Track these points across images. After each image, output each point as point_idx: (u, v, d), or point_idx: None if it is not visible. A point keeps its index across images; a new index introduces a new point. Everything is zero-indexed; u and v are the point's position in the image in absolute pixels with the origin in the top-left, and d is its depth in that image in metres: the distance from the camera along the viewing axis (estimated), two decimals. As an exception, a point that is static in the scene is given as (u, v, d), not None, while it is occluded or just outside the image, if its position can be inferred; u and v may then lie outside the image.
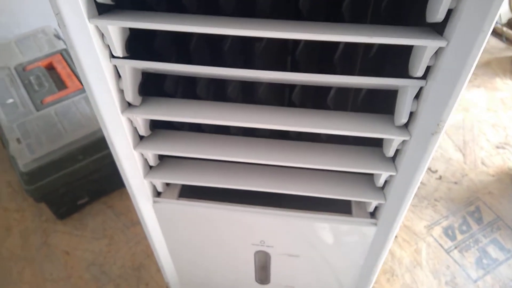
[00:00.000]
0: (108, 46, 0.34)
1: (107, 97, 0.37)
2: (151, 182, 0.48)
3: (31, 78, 0.99)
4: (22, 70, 1.02)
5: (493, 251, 0.84)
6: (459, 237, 0.87)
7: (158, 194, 0.51)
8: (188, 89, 0.42)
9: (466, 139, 1.06)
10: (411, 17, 0.33)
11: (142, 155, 0.45)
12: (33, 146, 0.84)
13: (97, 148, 0.86)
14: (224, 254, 0.58)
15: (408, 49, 0.33)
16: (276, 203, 0.49)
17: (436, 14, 0.28)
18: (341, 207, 0.49)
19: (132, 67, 0.36)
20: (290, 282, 0.62)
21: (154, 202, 0.50)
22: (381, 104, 0.39)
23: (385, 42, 0.30)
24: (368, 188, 0.44)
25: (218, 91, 0.41)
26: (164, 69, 0.37)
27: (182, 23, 0.32)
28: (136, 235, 0.91)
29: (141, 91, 0.39)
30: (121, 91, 0.38)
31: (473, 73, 1.25)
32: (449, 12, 0.29)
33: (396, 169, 0.40)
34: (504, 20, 1.37)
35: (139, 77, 0.39)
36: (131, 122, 0.41)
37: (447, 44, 0.29)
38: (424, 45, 0.30)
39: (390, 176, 0.42)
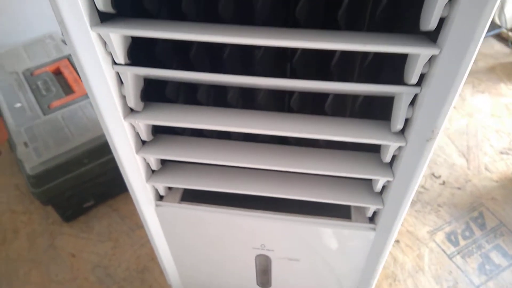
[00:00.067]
0: (110, 53, 0.35)
1: (110, 103, 0.38)
2: (153, 186, 0.49)
3: (39, 83, 1.01)
4: (30, 75, 1.04)
5: (496, 257, 0.84)
6: (462, 242, 0.86)
7: (160, 198, 0.52)
8: (189, 95, 0.43)
9: (470, 145, 1.06)
10: (408, 25, 0.34)
11: (145, 159, 0.46)
12: (40, 150, 0.86)
13: (103, 152, 0.87)
14: (226, 257, 0.58)
15: (404, 56, 0.33)
16: (276, 207, 0.50)
17: (429, 23, 0.29)
18: (341, 212, 0.50)
19: (134, 74, 0.37)
20: (291, 286, 0.62)
21: (157, 205, 0.51)
22: (378, 110, 0.40)
23: (379, 50, 0.30)
24: (366, 193, 0.45)
25: (219, 97, 0.42)
26: (165, 76, 0.38)
27: (181, 31, 0.32)
28: (140, 238, 0.92)
29: (143, 96, 0.40)
30: (123, 97, 0.39)
31: (478, 79, 1.25)
32: (442, 20, 0.29)
33: (393, 175, 0.40)
34: (510, 25, 1.37)
35: (141, 83, 0.39)
36: (133, 127, 0.42)
37: (440, 52, 0.30)
38: (417, 53, 0.30)
39: (388, 181, 0.42)
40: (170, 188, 0.53)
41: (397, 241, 0.87)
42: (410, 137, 0.36)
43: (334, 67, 0.36)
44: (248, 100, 0.42)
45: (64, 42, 1.14)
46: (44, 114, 0.94)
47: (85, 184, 0.92)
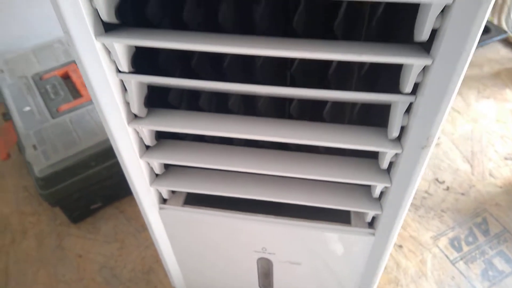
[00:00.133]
0: (114, 62, 0.36)
1: (114, 109, 0.39)
2: (157, 190, 0.50)
3: (48, 86, 1.03)
4: (39, 79, 1.06)
5: (499, 263, 0.84)
6: (465, 248, 0.86)
7: (164, 201, 0.53)
8: (192, 101, 0.44)
9: (474, 150, 1.06)
10: (404, 35, 0.35)
11: (148, 164, 0.47)
12: (49, 153, 0.88)
13: (109, 155, 0.89)
14: (228, 260, 0.59)
15: (400, 65, 0.34)
16: (278, 211, 0.51)
17: (421, 35, 0.30)
18: (342, 217, 0.50)
19: (137, 81, 0.38)
20: (293, 289, 0.63)
21: (160, 209, 0.52)
22: (377, 116, 0.41)
23: (373, 60, 0.31)
24: (365, 199, 0.46)
25: (220, 103, 0.43)
26: (168, 83, 0.39)
27: (183, 41, 0.34)
28: (146, 239, 0.93)
29: (147, 103, 0.41)
30: (127, 103, 0.40)
31: (483, 84, 1.25)
32: (435, 32, 0.30)
33: (390, 181, 0.41)
34: (517, 30, 1.37)
35: (145, 90, 0.41)
36: (137, 132, 0.43)
37: (433, 62, 0.30)
38: (411, 63, 0.31)
39: (386, 187, 0.43)
40: (173, 192, 0.54)
41: (400, 246, 0.87)
42: (406, 144, 0.37)
43: (332, 75, 0.37)
44: (249, 106, 0.43)
45: (73, 46, 1.16)
46: (53, 117, 0.96)
47: (92, 187, 0.94)
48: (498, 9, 1.47)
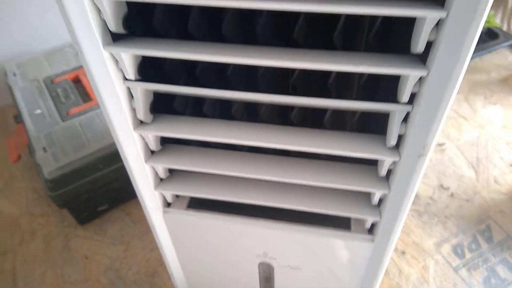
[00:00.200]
0: (122, 70, 0.38)
1: (121, 115, 0.40)
2: (161, 194, 0.52)
3: (59, 90, 1.05)
4: (50, 83, 1.08)
5: (502, 271, 0.84)
6: (468, 255, 0.87)
7: (168, 205, 0.54)
8: (196, 107, 0.45)
9: (479, 156, 1.06)
10: (402, 46, 0.35)
11: (153, 168, 0.48)
12: (58, 155, 0.89)
13: (117, 158, 0.91)
14: (230, 264, 0.60)
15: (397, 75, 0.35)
16: (280, 216, 0.52)
17: (417, 47, 0.31)
18: (342, 222, 0.51)
19: (143, 89, 0.40)
20: (294, 293, 0.64)
21: (164, 212, 0.53)
22: (377, 124, 0.42)
23: (370, 71, 0.32)
24: (364, 205, 0.46)
25: (224, 110, 0.45)
26: (173, 91, 0.40)
27: (187, 51, 0.35)
28: (150, 242, 0.95)
29: (152, 109, 0.43)
30: (133, 110, 0.41)
31: (490, 90, 1.25)
32: (431, 43, 0.31)
33: (389, 188, 0.42)
34: (525, 36, 1.36)
35: (151, 97, 0.42)
36: (142, 138, 0.44)
37: (428, 73, 0.31)
38: (407, 74, 0.32)
39: (384, 194, 0.43)
40: (177, 196, 0.55)
41: (403, 252, 0.88)
42: (403, 152, 0.37)
43: (332, 84, 0.38)
44: (251, 113, 0.44)
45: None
46: (63, 120, 0.98)
47: (100, 189, 0.95)
48: (508, 15, 1.47)
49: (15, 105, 1.06)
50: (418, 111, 0.34)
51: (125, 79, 0.38)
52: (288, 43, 0.38)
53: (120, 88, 0.38)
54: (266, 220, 0.51)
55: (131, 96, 0.40)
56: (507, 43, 1.39)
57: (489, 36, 1.40)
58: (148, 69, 0.39)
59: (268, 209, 0.49)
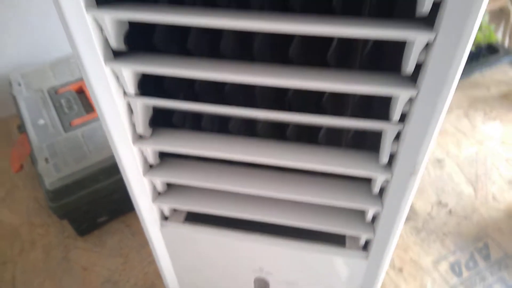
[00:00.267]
0: (122, 85, 0.39)
1: (120, 129, 0.41)
2: (159, 207, 0.52)
3: (62, 100, 1.07)
4: (54, 93, 1.09)
5: (499, 289, 0.84)
6: (465, 273, 0.86)
7: (165, 218, 0.55)
8: (195, 122, 0.46)
9: (478, 173, 1.06)
10: (394, 66, 0.36)
11: (151, 181, 0.49)
12: (60, 166, 0.90)
13: (117, 170, 0.91)
14: (226, 278, 0.61)
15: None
16: (276, 230, 0.52)
17: (407, 68, 0.32)
18: (338, 238, 0.51)
19: (143, 104, 0.41)
20: (290, 308, 0.64)
21: (162, 225, 0.54)
22: (371, 141, 0.42)
23: (361, 91, 0.33)
24: (358, 222, 0.47)
25: (222, 124, 0.45)
26: (172, 106, 0.41)
27: (186, 68, 0.36)
28: (148, 255, 0.95)
29: (151, 123, 0.44)
30: (133, 124, 0.42)
31: (490, 105, 1.25)
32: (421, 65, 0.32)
33: (382, 206, 0.42)
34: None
35: (150, 111, 0.43)
36: (141, 151, 0.45)
37: (418, 93, 0.32)
38: (396, 95, 0.33)
39: (377, 212, 0.44)
40: (175, 210, 0.55)
41: (400, 269, 0.88)
42: (395, 170, 0.38)
43: (326, 102, 0.39)
44: (248, 128, 0.45)
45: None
46: (65, 131, 0.99)
47: (100, 200, 0.96)
48: (510, 30, 1.48)
49: (19, 115, 1.07)
50: (409, 130, 0.35)
51: (125, 94, 0.40)
52: (284, 60, 0.39)
53: (120, 103, 0.39)
54: (262, 235, 0.52)
55: (130, 110, 0.41)
56: (508, 59, 1.40)
57: (490, 51, 1.41)
58: (148, 85, 0.40)
59: (265, 224, 0.50)
